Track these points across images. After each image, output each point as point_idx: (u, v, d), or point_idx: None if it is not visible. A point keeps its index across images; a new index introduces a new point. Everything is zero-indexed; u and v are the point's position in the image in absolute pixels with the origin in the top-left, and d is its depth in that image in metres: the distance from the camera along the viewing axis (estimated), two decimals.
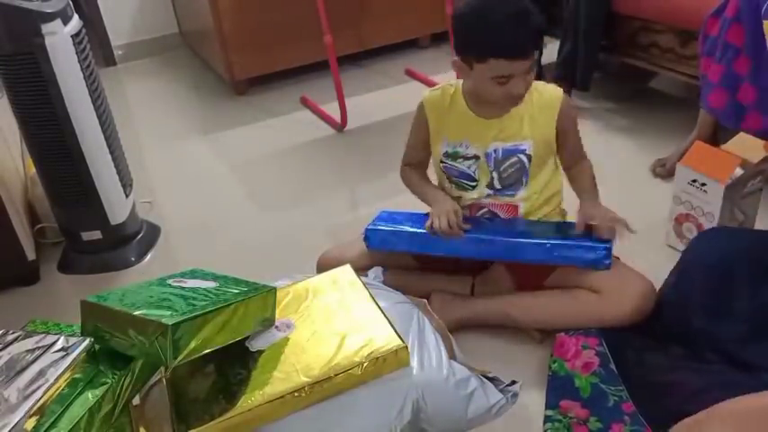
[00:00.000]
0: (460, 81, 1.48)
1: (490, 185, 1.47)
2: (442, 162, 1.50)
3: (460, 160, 1.47)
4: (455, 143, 1.47)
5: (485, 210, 1.50)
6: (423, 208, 1.56)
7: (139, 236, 1.96)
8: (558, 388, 1.28)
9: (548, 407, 1.26)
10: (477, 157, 1.46)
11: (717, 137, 2.00)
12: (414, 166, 1.62)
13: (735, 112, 1.74)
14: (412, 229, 1.48)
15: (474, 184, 1.48)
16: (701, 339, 1.26)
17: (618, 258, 1.44)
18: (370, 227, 1.52)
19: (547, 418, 1.24)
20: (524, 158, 1.44)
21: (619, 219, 1.38)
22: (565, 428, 1.22)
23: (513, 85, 1.33)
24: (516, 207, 1.48)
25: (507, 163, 1.44)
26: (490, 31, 1.29)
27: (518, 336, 1.47)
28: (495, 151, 1.44)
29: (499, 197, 1.47)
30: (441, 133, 1.49)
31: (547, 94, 1.43)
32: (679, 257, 1.41)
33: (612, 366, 1.28)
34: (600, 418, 1.22)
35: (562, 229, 1.44)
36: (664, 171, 2.02)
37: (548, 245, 1.37)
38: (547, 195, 1.50)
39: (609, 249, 1.36)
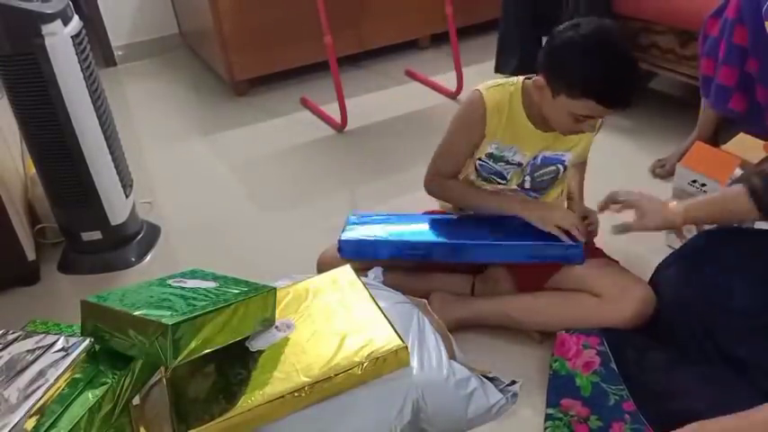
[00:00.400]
0: (519, 83, 1.42)
1: (521, 185, 1.48)
2: (480, 159, 1.45)
3: (502, 164, 1.44)
4: (504, 147, 1.42)
5: None
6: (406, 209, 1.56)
7: (139, 236, 1.96)
8: (559, 387, 1.28)
9: (548, 405, 1.27)
10: (520, 165, 1.44)
11: (717, 137, 2.00)
12: (447, 176, 1.49)
13: (756, 113, 1.75)
14: (386, 237, 1.47)
15: (504, 182, 1.47)
16: (700, 337, 1.26)
17: (618, 262, 1.44)
18: (343, 237, 1.49)
19: (548, 417, 1.24)
20: (561, 168, 1.46)
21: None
22: (565, 426, 1.22)
23: (587, 125, 1.33)
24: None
25: (544, 170, 1.46)
26: (604, 78, 1.24)
27: (518, 336, 1.47)
28: (536, 158, 1.44)
29: (530, 194, 1.49)
30: (497, 135, 1.42)
31: None
32: (673, 252, 1.41)
33: (613, 366, 1.29)
34: (600, 416, 1.22)
35: (529, 226, 1.41)
36: (663, 171, 2.02)
37: (524, 245, 1.38)
38: (560, 200, 1.54)
39: (580, 247, 1.38)
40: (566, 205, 1.58)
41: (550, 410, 1.25)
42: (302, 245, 1.86)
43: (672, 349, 1.30)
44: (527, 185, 1.47)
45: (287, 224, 2.02)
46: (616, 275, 1.39)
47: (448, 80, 2.77)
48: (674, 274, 1.37)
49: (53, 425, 0.98)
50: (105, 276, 1.86)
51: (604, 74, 1.24)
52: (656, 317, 1.35)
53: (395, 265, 1.53)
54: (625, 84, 1.26)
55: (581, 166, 1.59)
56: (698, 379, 1.21)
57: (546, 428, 1.23)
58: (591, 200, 1.91)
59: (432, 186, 1.51)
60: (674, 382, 1.23)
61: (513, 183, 1.47)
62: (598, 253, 1.47)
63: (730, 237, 1.37)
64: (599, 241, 1.51)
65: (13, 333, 1.13)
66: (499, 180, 1.47)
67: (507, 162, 1.44)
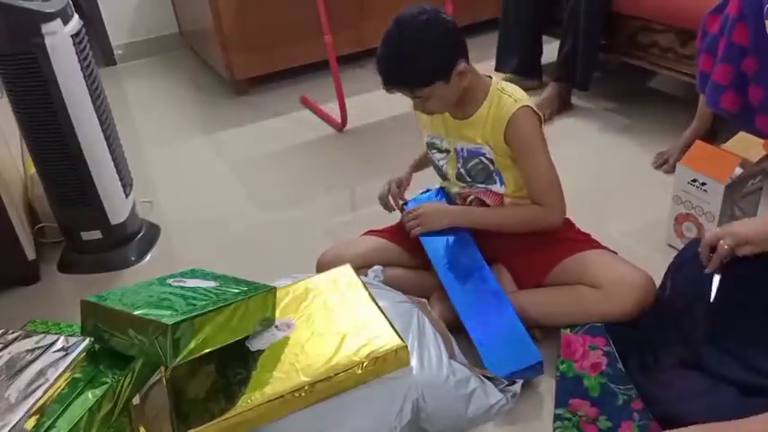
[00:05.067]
0: None
1: (461, 179, 1.52)
2: (428, 151, 1.59)
3: (434, 151, 1.55)
4: (434, 135, 1.53)
5: (472, 198, 1.54)
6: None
7: (139, 235, 1.95)
8: (568, 388, 1.28)
9: (557, 405, 1.26)
10: (448, 151, 1.52)
11: (715, 129, 2.03)
12: None
13: (747, 113, 1.75)
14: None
15: (447, 179, 1.56)
16: (697, 338, 1.26)
17: (616, 253, 1.45)
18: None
19: (556, 417, 1.24)
20: (486, 161, 1.46)
21: None
22: (574, 427, 1.22)
23: (425, 107, 1.41)
24: (501, 195, 1.49)
25: (473, 162, 1.48)
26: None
27: None
28: (462, 149, 1.49)
29: (477, 186, 1.51)
30: (424, 122, 1.55)
31: (503, 105, 1.40)
32: (679, 255, 1.41)
33: (620, 365, 1.28)
34: (609, 417, 1.22)
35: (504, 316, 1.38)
36: (669, 167, 2.02)
37: (479, 331, 1.36)
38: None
39: (515, 373, 1.30)
40: None
41: (559, 411, 1.25)
42: (302, 245, 1.86)
43: (670, 350, 1.29)
44: (467, 178, 1.51)
45: (287, 224, 2.02)
46: (615, 266, 1.39)
47: None
48: (680, 276, 1.35)
49: (53, 424, 0.98)
50: (105, 276, 1.86)
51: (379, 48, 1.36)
52: (655, 313, 1.34)
53: (395, 265, 1.54)
54: (382, 60, 1.36)
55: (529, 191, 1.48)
56: (691, 382, 1.21)
57: (555, 429, 1.23)
58: (590, 198, 1.92)
59: None
60: (671, 385, 1.23)
61: (451, 176, 1.54)
62: (597, 245, 1.47)
63: None
64: (599, 238, 1.51)
65: (12, 333, 1.13)
66: (442, 175, 1.58)
67: (439, 150, 1.53)
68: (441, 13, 1.36)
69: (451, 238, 1.51)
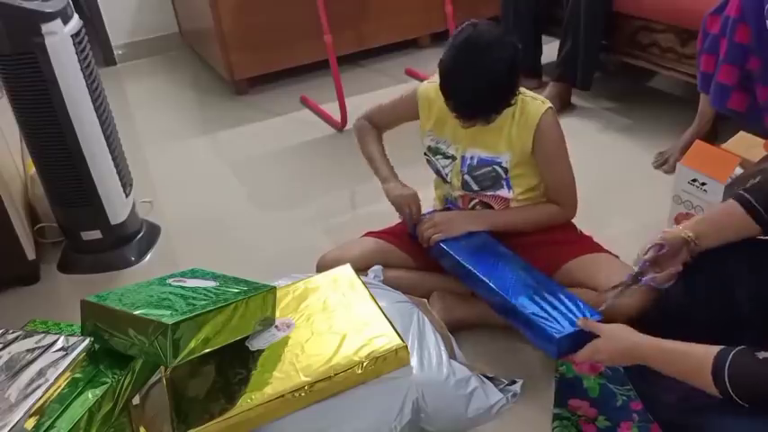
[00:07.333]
0: None
1: (466, 187, 1.50)
2: (425, 154, 1.56)
3: (439, 157, 1.52)
4: (438, 139, 1.51)
5: (476, 201, 1.53)
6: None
7: (139, 235, 1.95)
8: (567, 388, 1.29)
9: (556, 405, 1.27)
10: (454, 158, 1.49)
11: (716, 129, 2.03)
12: (374, 126, 1.66)
13: (755, 113, 1.75)
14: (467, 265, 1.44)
15: (448, 184, 1.54)
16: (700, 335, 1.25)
17: (618, 257, 1.44)
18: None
19: (555, 416, 1.25)
20: (500, 170, 1.46)
21: None
22: (573, 426, 1.22)
23: (475, 122, 1.38)
24: (507, 199, 1.49)
25: (482, 171, 1.46)
26: (445, 77, 1.33)
27: (518, 336, 1.46)
28: (471, 158, 1.47)
29: (483, 192, 1.50)
30: (427, 126, 1.52)
31: (529, 111, 1.40)
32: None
33: (619, 367, 1.28)
34: (609, 417, 1.22)
35: (549, 289, 1.35)
36: (668, 167, 2.02)
37: (519, 310, 1.31)
38: (539, 192, 1.50)
39: (555, 346, 1.23)
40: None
41: (558, 410, 1.26)
42: (302, 244, 1.86)
43: None
44: (474, 186, 1.49)
45: (287, 223, 2.02)
46: (617, 270, 1.39)
47: None
48: (678, 288, 1.34)
49: (53, 424, 0.98)
50: (105, 276, 1.86)
51: (446, 74, 1.32)
52: (659, 311, 1.34)
53: (395, 265, 1.53)
54: (458, 93, 1.31)
55: (548, 193, 1.50)
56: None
57: (554, 428, 1.23)
58: (590, 198, 1.92)
59: (359, 123, 1.68)
60: (670, 389, 1.23)
61: (454, 184, 1.51)
62: (599, 248, 1.47)
63: (728, 250, 1.36)
64: (600, 238, 1.51)
65: (12, 332, 1.13)
66: (443, 181, 1.55)
67: (444, 155, 1.50)
68: (491, 24, 1.32)
69: (470, 237, 1.48)
